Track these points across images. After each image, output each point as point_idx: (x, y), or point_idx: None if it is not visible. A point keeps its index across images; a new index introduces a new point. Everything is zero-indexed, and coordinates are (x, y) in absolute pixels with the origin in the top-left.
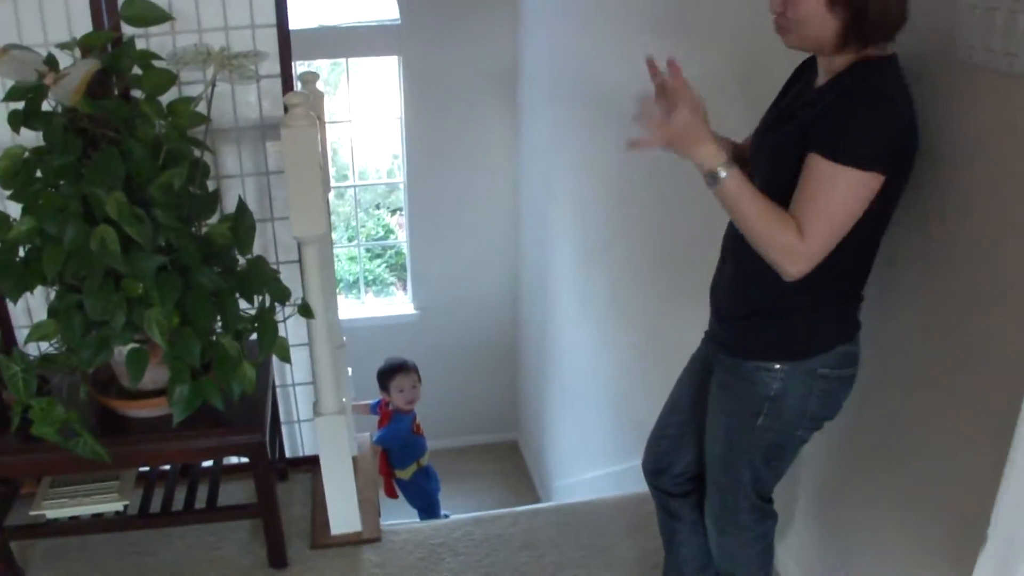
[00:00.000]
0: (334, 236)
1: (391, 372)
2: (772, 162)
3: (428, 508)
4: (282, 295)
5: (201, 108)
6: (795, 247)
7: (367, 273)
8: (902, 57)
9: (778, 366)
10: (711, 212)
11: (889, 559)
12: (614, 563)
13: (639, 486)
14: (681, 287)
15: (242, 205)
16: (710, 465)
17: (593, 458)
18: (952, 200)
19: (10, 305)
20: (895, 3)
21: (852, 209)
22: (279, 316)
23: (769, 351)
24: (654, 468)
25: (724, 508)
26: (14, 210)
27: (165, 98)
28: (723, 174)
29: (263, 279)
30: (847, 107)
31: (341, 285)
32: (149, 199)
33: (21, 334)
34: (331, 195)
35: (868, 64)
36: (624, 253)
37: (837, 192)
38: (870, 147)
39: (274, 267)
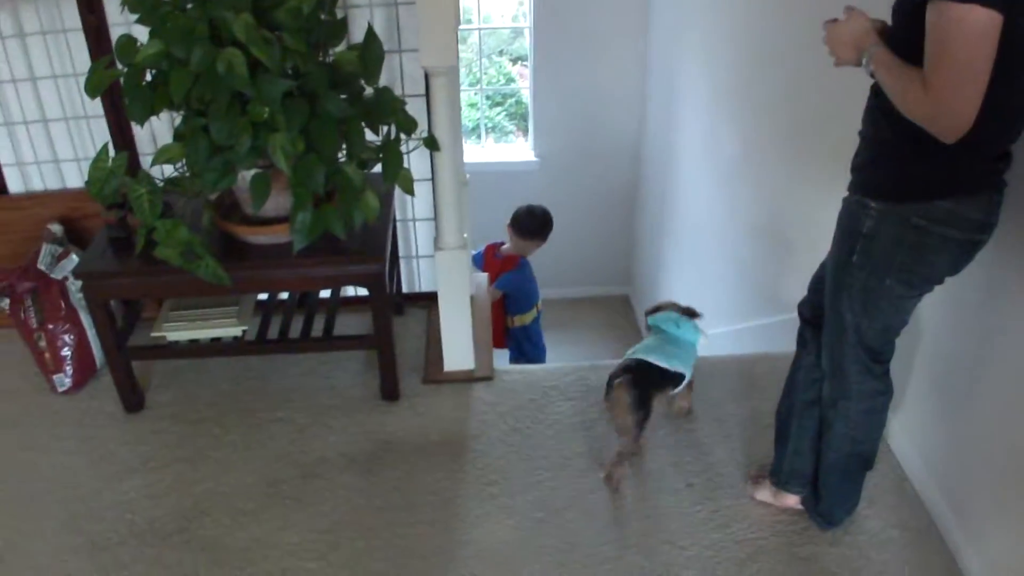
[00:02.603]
0: None
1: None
2: (896, 21)
3: (536, 358)
4: (408, 126)
5: None
6: (921, 102)
7: (487, 120)
8: None
9: (873, 204)
10: (852, 80)
11: (1011, 447)
12: (724, 419)
13: (753, 347)
14: (817, 151)
15: (371, 32)
16: (825, 298)
17: (712, 316)
18: None
19: (137, 132)
20: None
21: (973, 54)
22: (405, 148)
23: (869, 187)
24: (807, 295)
25: (833, 350)
26: (141, 35)
27: None
28: (871, 51)
29: (390, 108)
30: None
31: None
32: (277, 23)
33: (146, 162)
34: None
35: None
36: (756, 102)
37: (949, 36)
38: None
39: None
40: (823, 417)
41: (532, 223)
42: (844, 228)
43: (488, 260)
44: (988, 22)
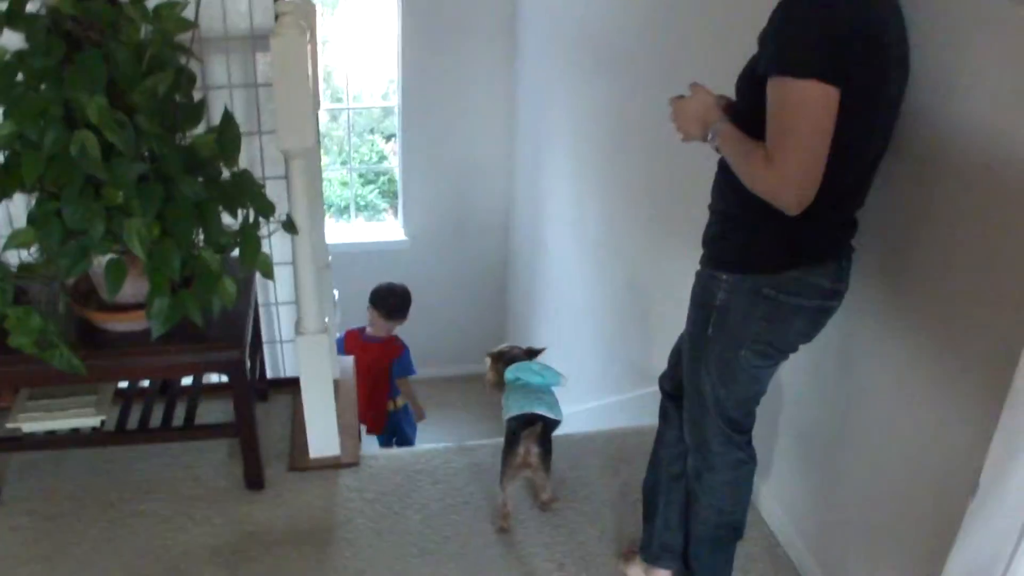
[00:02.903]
0: (326, 160)
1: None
2: (740, 96)
3: (411, 437)
4: (267, 209)
5: (189, 14)
6: (763, 175)
7: (359, 199)
8: None
9: (724, 276)
10: (705, 156)
11: (876, 504)
12: (594, 496)
13: (626, 420)
14: (676, 226)
15: (228, 115)
16: (683, 371)
17: (581, 392)
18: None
19: None
20: None
21: (812, 127)
22: (263, 232)
23: (719, 260)
24: (666, 369)
25: (694, 423)
26: None
27: (151, 2)
28: (716, 127)
29: (247, 192)
30: (781, 15)
31: (332, 210)
32: (132, 106)
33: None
34: (325, 118)
35: None
36: (618, 178)
37: (788, 110)
38: (802, 53)
39: (260, 183)
40: (689, 490)
41: (395, 301)
42: (697, 301)
43: (354, 344)
44: (825, 96)
